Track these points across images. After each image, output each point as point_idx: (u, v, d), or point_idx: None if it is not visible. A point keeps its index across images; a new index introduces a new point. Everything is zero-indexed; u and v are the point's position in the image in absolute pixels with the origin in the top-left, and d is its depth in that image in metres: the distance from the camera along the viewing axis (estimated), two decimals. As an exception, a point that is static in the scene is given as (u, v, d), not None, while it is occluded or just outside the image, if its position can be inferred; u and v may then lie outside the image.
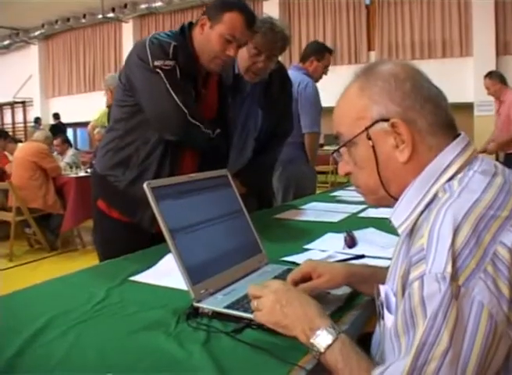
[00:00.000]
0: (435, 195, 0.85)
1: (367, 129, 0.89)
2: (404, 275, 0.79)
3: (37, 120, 13.02)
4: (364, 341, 1.07)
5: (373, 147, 0.89)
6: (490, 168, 0.85)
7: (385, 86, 0.88)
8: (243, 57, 2.15)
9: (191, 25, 1.88)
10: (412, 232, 0.88)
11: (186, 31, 1.86)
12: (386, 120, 0.87)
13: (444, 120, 0.89)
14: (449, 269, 0.71)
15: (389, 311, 0.89)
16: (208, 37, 1.79)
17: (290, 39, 2.25)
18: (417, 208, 0.86)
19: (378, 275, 1.11)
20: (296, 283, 1.12)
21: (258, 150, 2.41)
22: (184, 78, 1.78)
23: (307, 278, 1.13)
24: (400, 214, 0.89)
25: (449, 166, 0.86)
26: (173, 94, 1.72)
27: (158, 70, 1.72)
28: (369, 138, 0.89)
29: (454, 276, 0.70)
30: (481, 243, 0.72)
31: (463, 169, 0.85)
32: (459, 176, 0.84)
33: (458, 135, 0.90)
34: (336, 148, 0.98)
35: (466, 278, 0.70)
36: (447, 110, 0.90)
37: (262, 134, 2.40)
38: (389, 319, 0.89)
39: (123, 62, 1.92)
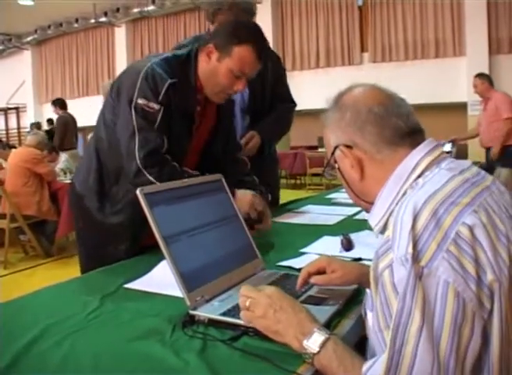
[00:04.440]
0: (405, 193, 0.90)
1: (332, 154, 1.01)
2: (374, 268, 0.83)
3: (33, 126, 12.86)
4: (362, 344, 1.07)
5: (339, 169, 1.02)
6: (458, 166, 0.90)
7: (335, 117, 1.00)
8: None
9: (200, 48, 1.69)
10: (384, 229, 0.93)
11: (192, 57, 1.67)
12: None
13: (390, 135, 0.93)
14: (410, 250, 0.75)
15: (370, 309, 0.91)
16: (215, 70, 1.63)
17: None
18: (391, 207, 0.92)
19: None
20: (309, 276, 1.16)
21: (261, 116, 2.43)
22: (177, 116, 1.63)
23: (321, 272, 1.17)
24: (375, 215, 0.96)
25: (416, 165, 0.91)
26: (136, 142, 1.56)
27: (134, 110, 1.56)
28: (335, 161, 1.01)
29: (416, 258, 0.74)
30: (441, 225, 0.76)
31: (430, 167, 0.90)
32: (426, 173, 0.90)
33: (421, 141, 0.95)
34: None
35: (429, 259, 0.74)
36: (397, 123, 0.93)
37: (258, 101, 2.41)
38: (369, 317, 0.91)
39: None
